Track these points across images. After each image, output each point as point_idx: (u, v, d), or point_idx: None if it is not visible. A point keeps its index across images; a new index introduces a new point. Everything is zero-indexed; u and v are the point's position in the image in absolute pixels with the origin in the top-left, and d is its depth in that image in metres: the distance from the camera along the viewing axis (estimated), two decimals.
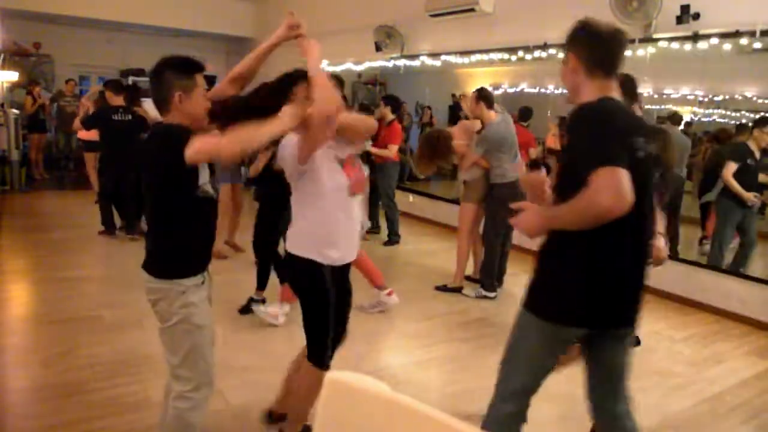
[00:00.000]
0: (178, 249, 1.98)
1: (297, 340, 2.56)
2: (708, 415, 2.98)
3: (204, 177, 1.96)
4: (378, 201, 6.38)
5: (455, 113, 7.77)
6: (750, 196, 4.57)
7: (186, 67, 1.94)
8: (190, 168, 1.83)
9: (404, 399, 0.79)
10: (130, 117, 5.65)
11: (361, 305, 3.95)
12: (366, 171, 2.40)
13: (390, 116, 6.02)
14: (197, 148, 1.75)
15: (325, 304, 2.18)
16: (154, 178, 1.93)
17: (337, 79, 4.96)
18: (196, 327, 1.97)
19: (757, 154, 4.58)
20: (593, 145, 1.63)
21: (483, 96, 4.52)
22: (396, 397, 0.80)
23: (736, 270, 4.66)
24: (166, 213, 1.95)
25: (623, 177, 1.55)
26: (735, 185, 4.58)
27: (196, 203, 1.96)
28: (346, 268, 2.28)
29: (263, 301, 3.95)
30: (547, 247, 1.84)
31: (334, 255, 2.16)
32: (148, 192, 1.97)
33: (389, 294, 4.17)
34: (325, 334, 2.22)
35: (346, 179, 2.15)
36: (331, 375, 0.87)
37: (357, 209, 2.25)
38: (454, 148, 4.39)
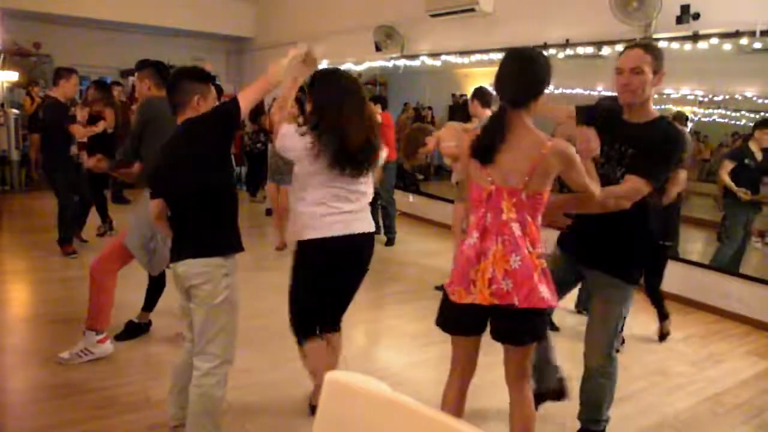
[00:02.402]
0: (225, 225, 2.22)
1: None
2: (708, 415, 2.98)
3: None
4: (376, 201, 6.39)
5: (455, 113, 7.77)
6: (740, 192, 4.61)
7: (203, 77, 2.27)
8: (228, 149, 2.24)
9: (404, 399, 0.79)
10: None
11: (61, 356, 3.09)
12: None
13: (379, 112, 6.15)
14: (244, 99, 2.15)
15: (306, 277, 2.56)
16: (200, 163, 2.15)
17: None
18: (233, 305, 2.21)
19: (758, 155, 4.59)
20: None
21: (477, 94, 4.55)
22: (396, 397, 0.80)
23: (736, 270, 4.67)
24: (214, 193, 2.18)
25: None
26: (727, 181, 4.64)
27: (230, 180, 2.29)
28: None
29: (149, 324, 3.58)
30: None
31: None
32: (186, 181, 2.16)
33: (102, 341, 3.17)
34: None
35: None
36: (331, 375, 0.87)
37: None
38: (423, 141, 4.32)
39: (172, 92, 2.23)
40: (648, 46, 2.18)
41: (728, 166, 4.63)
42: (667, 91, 5.49)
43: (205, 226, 2.17)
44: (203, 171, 2.13)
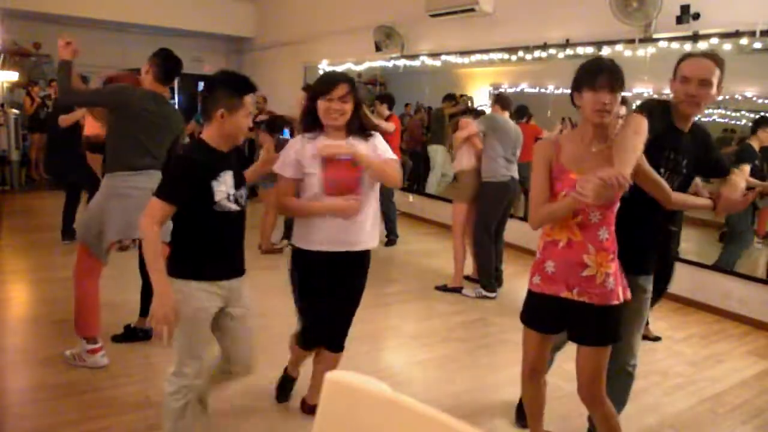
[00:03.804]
0: (186, 254, 2.07)
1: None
2: (708, 415, 2.98)
3: (221, 193, 2.03)
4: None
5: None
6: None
7: (236, 88, 2.04)
8: (205, 187, 1.99)
9: (404, 399, 0.79)
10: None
11: (65, 352, 3.11)
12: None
13: (386, 113, 6.07)
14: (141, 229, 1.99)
15: (293, 283, 2.47)
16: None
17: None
18: (183, 318, 2.02)
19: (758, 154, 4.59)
20: None
21: (498, 99, 4.78)
22: (396, 397, 0.80)
23: (736, 270, 4.67)
24: (181, 222, 2.06)
25: None
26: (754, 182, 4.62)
27: (209, 217, 2.04)
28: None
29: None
30: None
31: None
32: None
33: (94, 351, 3.04)
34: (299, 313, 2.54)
35: (318, 179, 2.29)
36: (331, 375, 0.87)
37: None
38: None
39: (203, 99, 2.09)
40: (717, 59, 2.13)
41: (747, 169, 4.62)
42: (666, 91, 5.50)
43: (175, 247, 2.12)
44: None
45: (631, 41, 4.95)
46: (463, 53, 6.76)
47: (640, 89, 5.03)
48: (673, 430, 2.81)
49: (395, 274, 5.33)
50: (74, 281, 3.08)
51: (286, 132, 5.88)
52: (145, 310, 3.41)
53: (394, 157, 2.40)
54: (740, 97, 5.12)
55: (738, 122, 5.24)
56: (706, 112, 5.38)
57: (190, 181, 2.00)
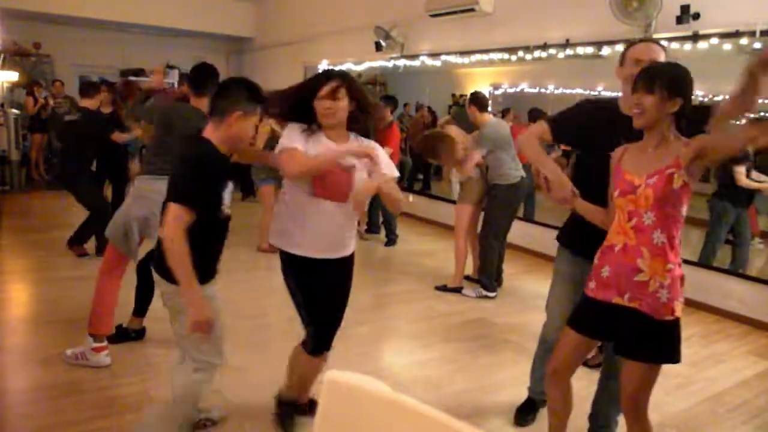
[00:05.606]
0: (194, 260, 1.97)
1: (297, 340, 2.57)
2: (708, 415, 2.98)
3: (227, 198, 2.09)
4: (378, 202, 6.37)
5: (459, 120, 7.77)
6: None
7: (255, 95, 2.07)
8: (217, 194, 2.02)
9: (404, 399, 0.79)
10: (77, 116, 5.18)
11: (66, 352, 3.09)
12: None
13: (389, 117, 5.95)
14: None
15: (289, 289, 2.37)
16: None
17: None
18: None
19: (750, 152, 4.65)
20: None
21: (474, 99, 4.61)
22: (396, 397, 0.80)
23: (736, 270, 4.67)
24: (192, 228, 1.97)
25: None
26: (754, 185, 4.74)
27: (214, 222, 2.09)
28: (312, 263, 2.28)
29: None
30: None
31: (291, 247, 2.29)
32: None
33: (99, 350, 3.06)
34: (302, 319, 2.41)
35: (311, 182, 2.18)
36: (331, 375, 0.87)
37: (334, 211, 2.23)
38: (456, 154, 4.40)
39: (219, 96, 2.07)
40: (663, 46, 2.13)
41: (742, 170, 4.71)
42: None
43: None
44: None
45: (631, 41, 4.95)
46: (463, 53, 6.76)
47: None
48: (673, 430, 2.81)
49: (395, 274, 5.33)
50: (98, 276, 3.18)
51: None
52: (139, 310, 3.41)
53: (397, 174, 2.31)
54: None
55: (737, 122, 5.24)
56: None
57: (212, 187, 2.03)
